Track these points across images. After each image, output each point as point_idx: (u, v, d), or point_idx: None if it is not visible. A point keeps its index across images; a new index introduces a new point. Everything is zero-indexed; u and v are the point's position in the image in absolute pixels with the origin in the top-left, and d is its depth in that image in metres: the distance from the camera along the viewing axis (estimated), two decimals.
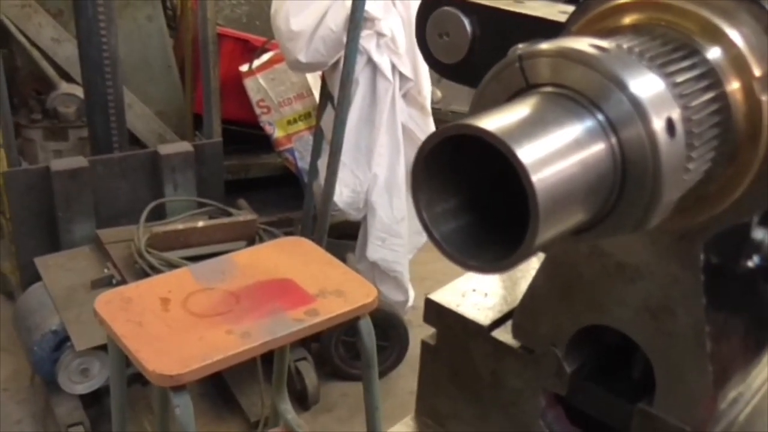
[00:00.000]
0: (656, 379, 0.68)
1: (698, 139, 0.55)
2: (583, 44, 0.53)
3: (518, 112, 0.51)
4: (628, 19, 0.64)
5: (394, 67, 2.56)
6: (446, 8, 0.80)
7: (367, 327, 1.89)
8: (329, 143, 2.52)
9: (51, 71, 3.12)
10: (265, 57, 3.15)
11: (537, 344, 0.75)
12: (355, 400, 2.30)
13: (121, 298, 1.76)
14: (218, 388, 2.49)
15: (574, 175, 0.48)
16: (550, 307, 0.73)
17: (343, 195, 2.59)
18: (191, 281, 1.85)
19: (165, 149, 2.65)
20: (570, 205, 0.48)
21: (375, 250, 2.63)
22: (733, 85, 0.58)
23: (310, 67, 2.70)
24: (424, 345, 0.83)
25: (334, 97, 2.60)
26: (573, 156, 0.49)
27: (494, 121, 0.49)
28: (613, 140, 0.51)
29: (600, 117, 0.51)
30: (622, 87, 0.50)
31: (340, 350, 2.62)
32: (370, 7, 2.45)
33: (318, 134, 2.84)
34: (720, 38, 0.58)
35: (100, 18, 2.42)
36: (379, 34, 2.52)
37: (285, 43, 2.55)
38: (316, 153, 2.84)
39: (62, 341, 2.14)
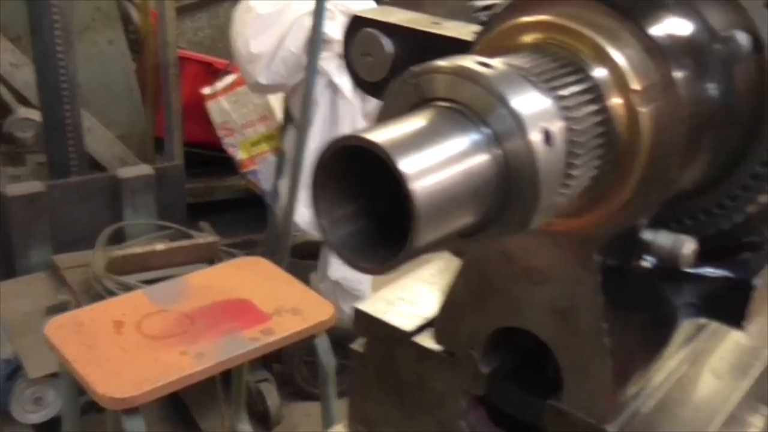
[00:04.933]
0: (563, 376, 0.71)
1: (581, 147, 0.60)
2: (471, 62, 0.57)
3: (410, 124, 0.55)
4: (526, 38, 0.69)
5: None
6: (368, 30, 0.85)
7: (324, 344, 1.91)
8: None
9: (8, 96, 3.11)
10: (229, 79, 3.18)
11: (457, 347, 0.78)
12: (318, 420, 2.30)
13: (74, 322, 1.76)
14: (178, 410, 2.47)
15: (456, 184, 0.52)
16: (467, 311, 0.77)
17: (304, 215, 2.61)
18: (146, 303, 1.86)
19: (125, 173, 2.66)
20: (452, 210, 0.52)
21: (336, 269, 2.65)
22: (615, 98, 0.63)
23: (271, 89, 2.74)
24: (354, 353, 0.85)
25: (296, 119, 2.64)
26: (456, 166, 0.53)
27: (384, 133, 0.52)
28: (498, 151, 0.55)
29: (485, 130, 0.55)
30: (504, 102, 0.55)
31: (303, 370, 2.62)
32: (329, 29, 2.50)
33: (281, 155, 2.87)
34: (604, 56, 0.64)
35: (58, 42, 2.43)
36: (339, 56, 2.57)
37: (245, 65, 2.59)
38: (279, 174, 2.86)
39: (15, 370, 2.11)
